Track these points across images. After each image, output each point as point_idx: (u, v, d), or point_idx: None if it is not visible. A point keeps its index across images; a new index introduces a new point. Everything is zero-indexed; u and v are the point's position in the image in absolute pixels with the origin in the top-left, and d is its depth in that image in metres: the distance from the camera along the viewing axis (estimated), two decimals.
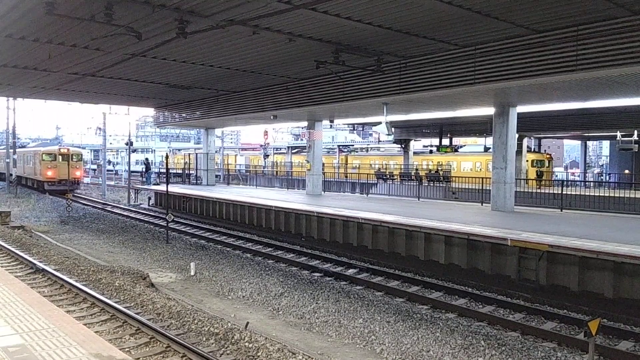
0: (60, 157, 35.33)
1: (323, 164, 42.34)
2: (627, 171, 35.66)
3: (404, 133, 36.52)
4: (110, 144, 63.99)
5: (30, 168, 37.58)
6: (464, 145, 43.03)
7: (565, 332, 9.47)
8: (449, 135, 35.30)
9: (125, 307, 9.45)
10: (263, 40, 12.63)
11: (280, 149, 56.37)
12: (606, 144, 57.74)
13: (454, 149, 36.01)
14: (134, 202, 32.36)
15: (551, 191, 22.96)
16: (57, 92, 22.48)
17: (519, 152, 25.07)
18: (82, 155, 40.38)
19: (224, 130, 46.32)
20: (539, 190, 24.60)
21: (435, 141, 36.89)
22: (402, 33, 11.96)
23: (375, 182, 31.83)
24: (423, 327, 9.33)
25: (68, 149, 37.62)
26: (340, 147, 50.32)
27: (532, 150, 38.07)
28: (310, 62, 14.31)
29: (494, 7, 10.20)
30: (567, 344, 8.82)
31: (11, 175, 36.70)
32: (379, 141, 49.87)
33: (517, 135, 18.20)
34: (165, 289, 12.14)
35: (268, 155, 49.63)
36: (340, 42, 12.92)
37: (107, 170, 42.00)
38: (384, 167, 39.80)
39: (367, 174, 32.95)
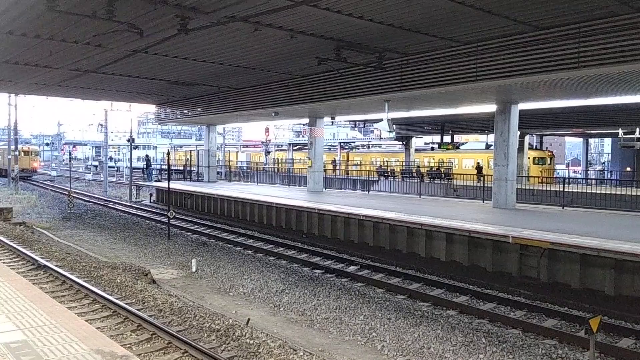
0: (22, 153, 45.27)
1: (334, 161, 42.85)
2: (628, 168, 35.62)
3: (406, 130, 36.50)
4: (112, 140, 64.00)
5: (0, 161, 48.39)
6: (466, 143, 42.97)
7: (566, 329, 9.47)
8: (450, 132, 35.28)
9: (126, 304, 9.46)
10: (264, 37, 12.61)
11: (282, 145, 56.38)
12: (608, 141, 57.68)
13: (456, 146, 35.98)
14: (136, 198, 32.39)
15: (553, 188, 22.94)
16: (59, 89, 22.49)
17: (520, 149, 25.06)
18: (38, 151, 56.56)
19: (225, 127, 46.33)
20: (541, 188, 24.57)
21: (437, 138, 36.87)
22: (403, 30, 11.93)
23: (377, 179, 31.82)
24: (424, 324, 9.33)
25: (29, 147, 51.01)
26: (342, 144, 50.31)
27: (534, 147, 38.05)
28: (312, 59, 14.30)
29: (496, 4, 10.17)
30: (568, 342, 8.82)
31: (13, 171, 36.78)
32: (381, 138, 49.94)
33: (518, 133, 18.17)
34: (167, 285, 12.17)
35: (269, 152, 49.69)
36: (341, 39, 12.90)
37: (109, 167, 42.08)
38: (385, 164, 39.79)
39: (369, 171, 32.94)
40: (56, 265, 12.28)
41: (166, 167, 23.35)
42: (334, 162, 43.44)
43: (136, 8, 10.33)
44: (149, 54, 15.01)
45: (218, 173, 35.82)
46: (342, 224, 16.93)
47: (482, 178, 25.43)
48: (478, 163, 32.73)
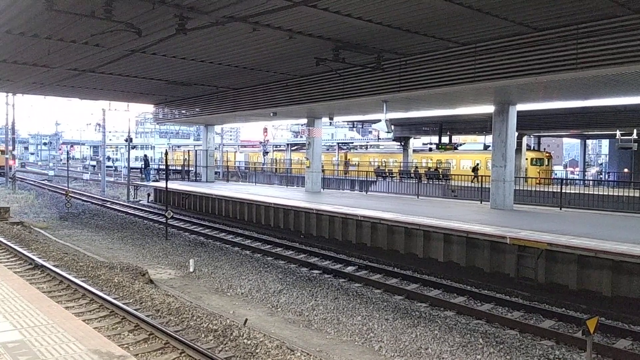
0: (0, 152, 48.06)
1: (348, 162, 43.04)
2: (626, 170, 35.72)
3: (404, 131, 36.53)
4: (110, 140, 64.02)
5: None
6: (464, 143, 43.00)
7: (563, 330, 9.48)
8: (448, 133, 35.31)
9: (124, 304, 9.44)
10: (263, 37, 12.62)
11: (280, 146, 56.33)
12: (606, 142, 57.82)
13: (454, 147, 36.03)
14: (134, 198, 32.34)
15: (550, 189, 22.98)
16: (57, 88, 22.46)
17: (518, 150, 25.11)
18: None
19: (223, 127, 46.30)
20: (538, 189, 24.62)
21: (435, 139, 36.89)
22: (402, 30, 11.95)
23: (375, 179, 31.84)
24: (421, 324, 9.34)
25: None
26: (340, 144, 50.29)
27: (532, 148, 38.12)
28: (310, 59, 14.30)
29: (494, 5, 10.19)
30: (565, 342, 8.83)
31: (10, 169, 36.74)
32: (379, 139, 49.90)
33: (516, 134, 18.20)
34: (165, 285, 12.15)
35: (267, 152, 49.66)
36: (340, 40, 12.91)
37: (107, 167, 42.03)
38: (384, 164, 39.82)
39: (367, 171, 32.99)
40: (53, 265, 12.25)
41: (164, 167, 23.32)
42: (346, 163, 44.08)
43: (134, 8, 10.32)
44: (147, 54, 15.00)
45: (216, 173, 35.81)
46: (340, 224, 16.93)
47: (478, 178, 25.54)
48: (477, 164, 32.85)
